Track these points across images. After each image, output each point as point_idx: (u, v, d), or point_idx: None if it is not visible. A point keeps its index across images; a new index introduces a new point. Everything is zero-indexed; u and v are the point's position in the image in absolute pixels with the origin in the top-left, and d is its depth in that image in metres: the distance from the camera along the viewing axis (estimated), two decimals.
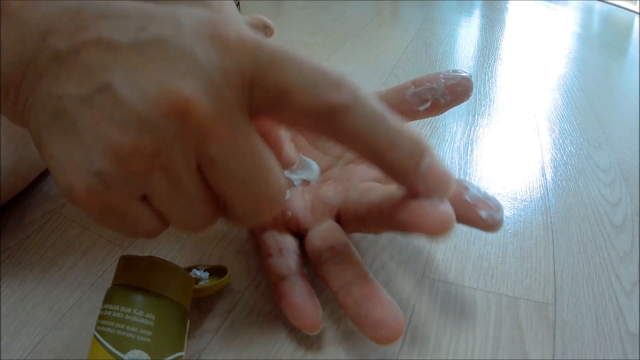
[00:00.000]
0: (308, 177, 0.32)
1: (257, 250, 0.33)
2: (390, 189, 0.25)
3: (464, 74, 0.30)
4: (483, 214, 0.23)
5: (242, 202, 0.19)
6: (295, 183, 0.32)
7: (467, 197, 0.24)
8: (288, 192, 0.32)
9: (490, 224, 0.24)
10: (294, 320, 0.26)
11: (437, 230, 0.20)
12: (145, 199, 0.18)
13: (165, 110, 0.16)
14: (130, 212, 0.18)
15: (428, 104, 0.30)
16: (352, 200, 0.29)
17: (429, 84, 0.30)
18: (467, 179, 0.43)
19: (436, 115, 0.31)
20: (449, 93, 0.30)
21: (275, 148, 0.24)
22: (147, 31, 0.17)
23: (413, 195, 0.21)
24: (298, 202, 0.31)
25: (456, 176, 0.43)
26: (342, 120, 0.18)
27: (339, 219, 0.30)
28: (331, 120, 0.18)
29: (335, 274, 0.26)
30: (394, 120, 0.20)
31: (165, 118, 0.16)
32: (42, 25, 0.17)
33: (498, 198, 0.40)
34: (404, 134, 0.20)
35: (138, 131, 0.16)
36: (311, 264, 0.29)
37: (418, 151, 0.20)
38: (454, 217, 0.21)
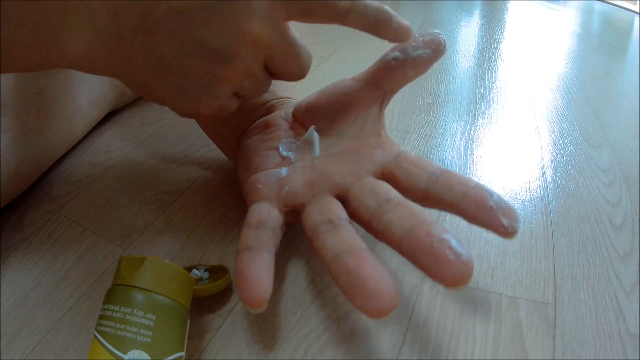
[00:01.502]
0: (311, 150, 0.32)
1: None
2: (412, 218, 0.25)
3: (436, 31, 0.33)
4: (505, 221, 0.25)
5: (290, 71, 0.29)
6: (292, 160, 0.32)
7: (491, 204, 0.25)
8: (285, 169, 0.32)
9: (510, 232, 0.25)
10: (240, 291, 0.24)
11: (454, 283, 0.22)
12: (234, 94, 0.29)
13: (245, 45, 0.25)
14: (230, 103, 0.29)
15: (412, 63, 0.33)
16: (366, 206, 0.28)
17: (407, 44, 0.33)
18: None
19: (422, 73, 0.33)
20: (427, 47, 0.32)
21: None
22: None
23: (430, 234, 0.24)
24: (296, 177, 0.31)
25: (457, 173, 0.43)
26: (346, 19, 0.28)
27: (342, 202, 0.30)
28: (340, 19, 0.28)
29: (330, 245, 0.25)
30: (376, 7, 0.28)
31: (246, 48, 0.26)
32: (106, 4, 0.23)
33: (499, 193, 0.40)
34: (383, 14, 0.28)
35: (232, 61, 0.26)
36: (307, 238, 0.28)
37: (386, 18, 0.29)
38: (473, 270, 0.22)
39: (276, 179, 0.31)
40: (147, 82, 0.26)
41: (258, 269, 0.25)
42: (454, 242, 0.23)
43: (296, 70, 0.29)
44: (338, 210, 0.28)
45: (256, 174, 0.32)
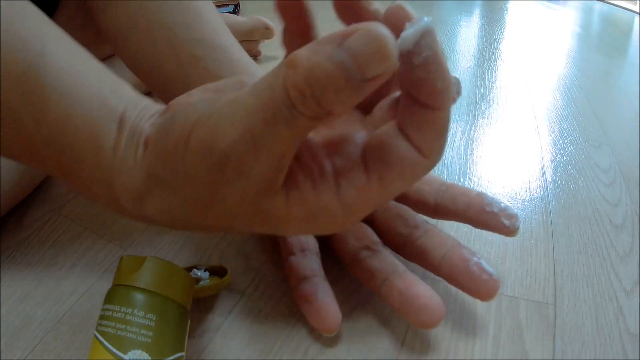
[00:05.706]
0: None
1: (257, 251, 0.33)
2: (444, 244, 0.29)
3: (454, 75, 0.30)
4: (507, 222, 0.29)
5: None
6: None
7: (494, 209, 0.29)
8: None
9: (512, 230, 0.29)
10: (316, 321, 0.26)
11: (487, 297, 0.26)
12: None
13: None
14: None
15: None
16: (398, 232, 0.30)
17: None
18: (467, 178, 0.43)
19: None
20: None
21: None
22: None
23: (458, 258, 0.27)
24: None
25: (458, 173, 0.43)
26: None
27: (368, 223, 0.31)
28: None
29: (376, 271, 0.28)
30: None
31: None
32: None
33: (498, 198, 0.40)
34: None
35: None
36: (344, 262, 0.30)
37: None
38: (500, 284, 0.27)
39: None
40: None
41: (325, 297, 0.27)
42: (485, 264, 0.27)
43: None
44: (372, 236, 0.30)
45: None
